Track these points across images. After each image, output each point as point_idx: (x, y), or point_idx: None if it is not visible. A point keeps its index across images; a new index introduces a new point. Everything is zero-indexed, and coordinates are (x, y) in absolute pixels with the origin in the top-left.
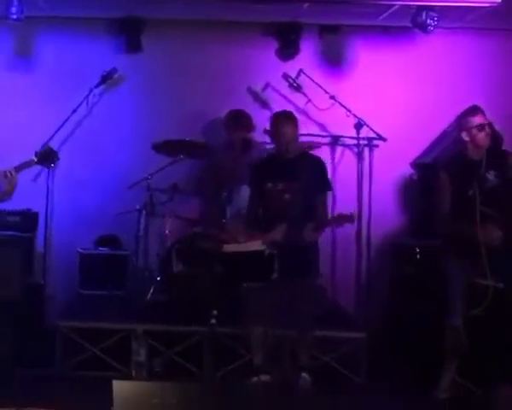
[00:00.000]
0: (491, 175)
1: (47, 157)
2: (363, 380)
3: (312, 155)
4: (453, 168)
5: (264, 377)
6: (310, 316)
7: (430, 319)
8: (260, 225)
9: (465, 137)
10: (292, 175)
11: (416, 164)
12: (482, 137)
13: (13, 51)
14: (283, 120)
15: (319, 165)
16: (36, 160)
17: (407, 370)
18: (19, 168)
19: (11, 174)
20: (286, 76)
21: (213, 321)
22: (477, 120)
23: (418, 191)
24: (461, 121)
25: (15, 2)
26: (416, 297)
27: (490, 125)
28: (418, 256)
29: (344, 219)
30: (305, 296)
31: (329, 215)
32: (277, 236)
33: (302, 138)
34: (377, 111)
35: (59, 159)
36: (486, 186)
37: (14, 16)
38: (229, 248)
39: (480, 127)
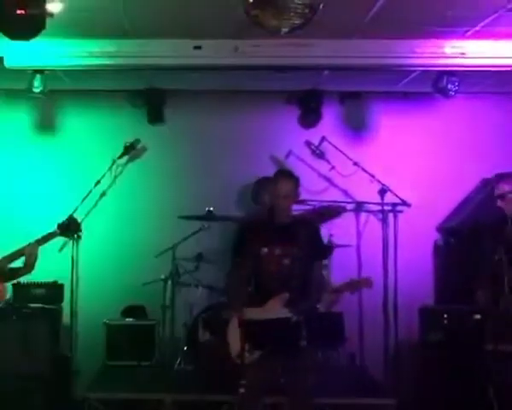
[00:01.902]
0: None
1: (70, 228)
2: None
3: (307, 220)
4: (497, 234)
5: None
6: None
7: (459, 385)
8: (257, 295)
9: (501, 203)
10: (288, 240)
11: (442, 228)
12: None
13: (36, 125)
14: (282, 176)
15: (315, 229)
16: (59, 231)
17: None
18: (41, 241)
19: (30, 249)
20: (308, 143)
21: (242, 390)
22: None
23: (445, 256)
24: (495, 189)
25: (38, 77)
26: (445, 363)
27: None
28: (446, 322)
29: (359, 283)
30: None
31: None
32: (277, 305)
33: (326, 204)
34: (401, 176)
35: (81, 230)
36: None
37: (38, 90)
38: (255, 316)
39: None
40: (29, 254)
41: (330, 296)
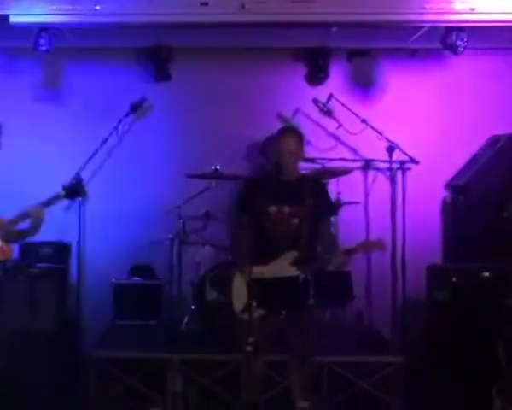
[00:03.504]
0: None
1: (75, 191)
2: (401, 405)
3: (313, 178)
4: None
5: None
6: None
7: (467, 343)
8: (262, 253)
9: None
10: (297, 198)
11: (450, 186)
12: None
13: (42, 83)
14: (286, 133)
15: (323, 188)
16: (64, 194)
17: (445, 395)
18: (47, 203)
19: (36, 212)
20: (316, 101)
21: (249, 348)
22: None
23: (453, 214)
24: None
25: (44, 34)
26: (453, 322)
27: None
28: (454, 280)
29: (372, 246)
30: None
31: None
32: (285, 264)
33: (334, 163)
34: (409, 134)
35: (86, 193)
36: None
37: (43, 48)
38: (263, 274)
39: None
40: (35, 216)
41: (342, 257)
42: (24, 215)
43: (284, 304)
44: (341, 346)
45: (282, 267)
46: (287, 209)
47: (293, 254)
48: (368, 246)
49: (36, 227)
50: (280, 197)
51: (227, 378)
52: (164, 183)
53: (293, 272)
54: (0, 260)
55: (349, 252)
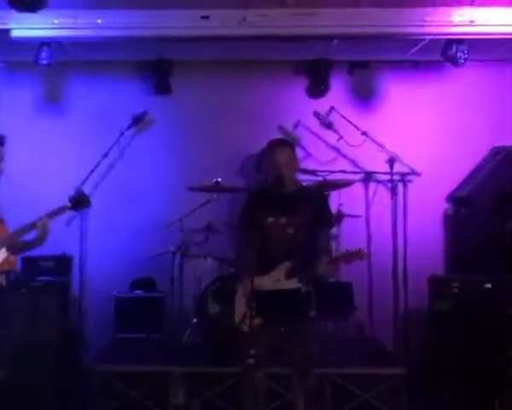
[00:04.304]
0: None
1: (80, 202)
2: None
3: (314, 189)
4: None
5: None
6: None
7: (470, 353)
8: (261, 264)
9: None
10: (293, 209)
11: (452, 198)
12: None
13: (43, 96)
14: (276, 145)
15: (323, 199)
16: (69, 205)
17: (448, 406)
18: (51, 214)
19: (42, 222)
20: (317, 113)
21: (251, 361)
22: None
23: (455, 225)
24: None
25: (46, 48)
26: (455, 332)
27: None
28: (456, 291)
29: (353, 255)
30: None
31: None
32: (280, 275)
33: (335, 175)
34: (410, 146)
35: (91, 204)
36: None
37: (44, 61)
38: (266, 287)
39: None
40: (42, 227)
41: (324, 266)
42: (30, 226)
43: (285, 316)
44: (344, 358)
45: (278, 278)
46: (283, 220)
47: (286, 266)
48: (348, 256)
49: (42, 238)
50: (278, 209)
51: (229, 391)
52: (165, 196)
53: (293, 284)
54: (5, 271)
55: (332, 262)
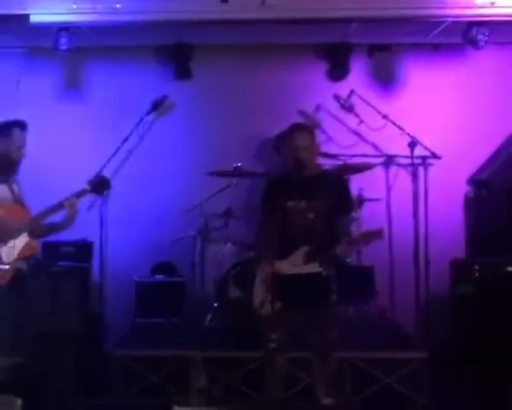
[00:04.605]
0: None
1: (100, 186)
2: (426, 401)
3: (334, 173)
4: None
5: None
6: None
7: (492, 337)
8: (282, 248)
9: None
10: (313, 193)
11: (472, 181)
12: None
13: (63, 82)
14: (295, 129)
15: (344, 183)
16: (89, 188)
17: (470, 390)
18: (78, 195)
19: (70, 202)
20: (337, 97)
21: (272, 345)
22: None
23: (476, 209)
24: None
25: (65, 34)
26: (477, 316)
27: None
28: (477, 274)
29: (372, 235)
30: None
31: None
32: (298, 259)
33: (356, 159)
34: (431, 129)
35: (111, 187)
36: None
37: (64, 47)
38: (285, 271)
39: None
40: (70, 206)
41: (345, 246)
42: (56, 207)
43: (305, 301)
44: (365, 342)
45: (296, 262)
46: (303, 204)
47: (304, 250)
48: (367, 236)
49: (71, 218)
50: (298, 193)
51: (251, 375)
52: (185, 180)
53: (314, 268)
54: (26, 256)
55: (350, 242)
